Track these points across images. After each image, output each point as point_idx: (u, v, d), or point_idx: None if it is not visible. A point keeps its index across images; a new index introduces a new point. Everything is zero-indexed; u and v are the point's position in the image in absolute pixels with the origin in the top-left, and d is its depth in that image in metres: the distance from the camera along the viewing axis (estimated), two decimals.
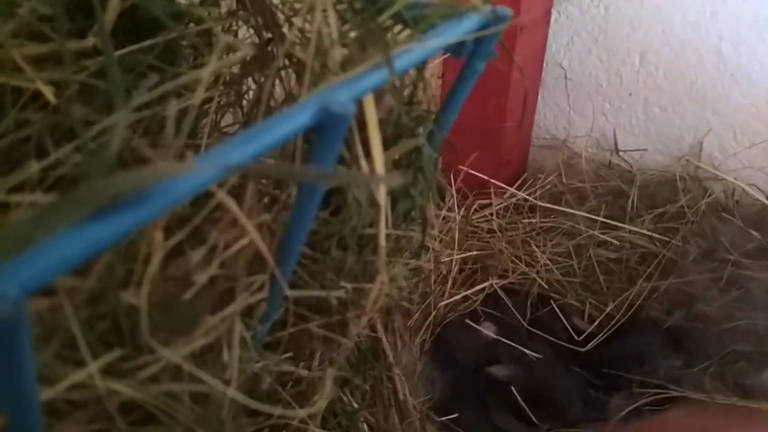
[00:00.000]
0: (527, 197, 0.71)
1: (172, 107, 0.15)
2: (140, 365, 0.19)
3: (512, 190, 0.72)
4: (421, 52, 0.22)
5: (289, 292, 0.25)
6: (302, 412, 0.23)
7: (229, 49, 0.30)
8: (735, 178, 0.66)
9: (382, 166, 0.20)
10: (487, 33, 0.23)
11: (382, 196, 0.23)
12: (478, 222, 0.70)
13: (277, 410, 0.22)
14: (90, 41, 0.25)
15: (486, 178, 0.69)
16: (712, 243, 0.61)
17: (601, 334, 0.62)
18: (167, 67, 0.29)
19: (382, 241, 0.26)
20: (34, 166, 0.16)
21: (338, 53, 0.20)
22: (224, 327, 0.22)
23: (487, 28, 0.25)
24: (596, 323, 0.64)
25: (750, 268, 0.59)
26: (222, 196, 0.18)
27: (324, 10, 0.19)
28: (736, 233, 0.61)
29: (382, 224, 0.25)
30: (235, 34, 0.33)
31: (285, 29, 0.29)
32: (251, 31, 0.32)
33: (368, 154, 0.23)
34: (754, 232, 0.61)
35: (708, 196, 0.65)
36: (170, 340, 0.19)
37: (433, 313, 0.64)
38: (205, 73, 0.18)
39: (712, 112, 0.68)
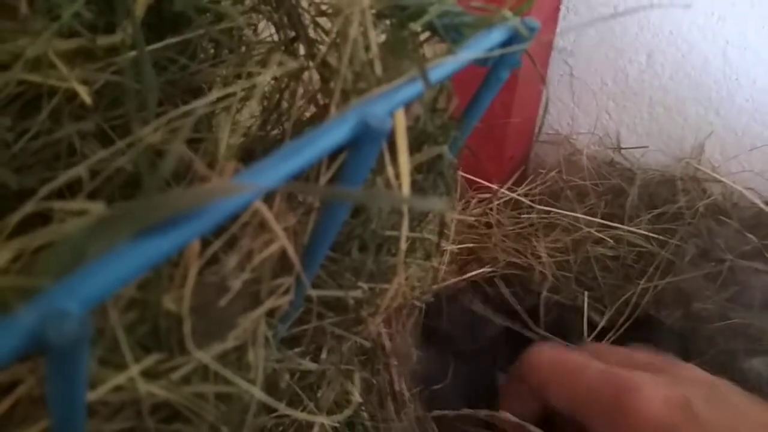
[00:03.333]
0: (521, 198, 0.71)
1: (225, 126, 0.15)
2: (173, 367, 0.20)
3: (502, 190, 0.71)
4: (454, 64, 0.22)
5: (313, 293, 0.25)
6: (325, 419, 0.23)
7: (254, 46, 0.30)
8: (734, 181, 0.67)
9: (408, 181, 0.21)
10: (519, 48, 0.23)
11: (406, 208, 0.24)
12: (476, 216, 0.71)
13: (302, 415, 0.22)
14: (119, 36, 0.25)
15: (480, 180, 0.69)
16: (709, 245, 0.62)
17: (596, 330, 0.63)
18: (190, 63, 0.29)
19: (403, 245, 0.27)
20: (82, 171, 0.17)
21: (378, 67, 0.20)
22: (251, 328, 0.22)
23: (515, 39, 0.25)
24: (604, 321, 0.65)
25: (745, 270, 0.60)
26: (259, 205, 0.19)
27: (362, 25, 0.20)
28: (732, 236, 0.62)
29: (404, 230, 0.25)
30: (255, 29, 0.33)
31: (310, 30, 0.29)
32: (271, 27, 0.32)
33: (392, 160, 0.24)
34: (750, 236, 0.62)
35: (707, 198, 0.66)
36: (205, 343, 0.19)
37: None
38: (262, 81, 0.18)
39: (715, 114, 0.68)
